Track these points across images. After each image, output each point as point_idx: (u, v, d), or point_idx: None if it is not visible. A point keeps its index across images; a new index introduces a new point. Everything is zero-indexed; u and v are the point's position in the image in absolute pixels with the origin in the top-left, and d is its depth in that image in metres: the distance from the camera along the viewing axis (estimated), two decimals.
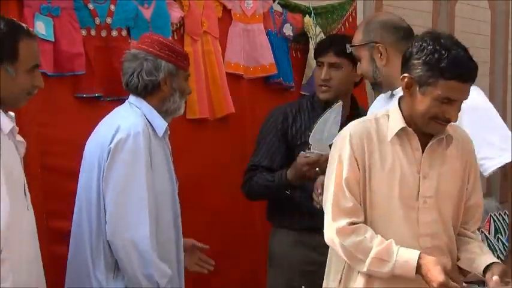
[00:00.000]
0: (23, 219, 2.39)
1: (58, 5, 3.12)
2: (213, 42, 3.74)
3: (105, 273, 2.68)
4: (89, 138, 2.86)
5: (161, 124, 2.80)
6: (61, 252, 2.97)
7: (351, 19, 4.52)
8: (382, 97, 3.01)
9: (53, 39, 3.09)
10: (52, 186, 3.06)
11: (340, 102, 3.05)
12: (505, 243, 4.86)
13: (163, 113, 2.83)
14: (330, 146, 3.00)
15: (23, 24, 2.44)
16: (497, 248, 4.75)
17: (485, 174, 2.84)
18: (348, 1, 4.53)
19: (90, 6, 3.22)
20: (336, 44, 3.27)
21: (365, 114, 3.31)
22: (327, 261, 2.55)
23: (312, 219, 3.21)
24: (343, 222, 2.38)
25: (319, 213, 3.19)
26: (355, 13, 4.57)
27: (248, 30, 3.93)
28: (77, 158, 3.14)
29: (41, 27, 3.04)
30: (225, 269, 3.68)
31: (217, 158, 3.68)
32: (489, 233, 4.98)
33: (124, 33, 3.33)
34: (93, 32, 3.24)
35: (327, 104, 3.26)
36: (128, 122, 2.72)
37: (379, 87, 2.86)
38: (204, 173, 3.64)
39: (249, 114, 3.85)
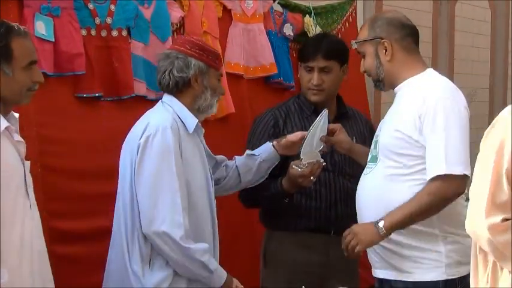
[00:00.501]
0: (24, 218, 2.40)
1: (58, 5, 3.11)
2: (213, 42, 3.74)
3: (141, 265, 2.72)
4: (126, 138, 2.90)
5: (192, 121, 2.84)
6: (62, 251, 2.98)
7: (351, 19, 4.52)
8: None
9: (53, 39, 3.08)
10: (52, 186, 3.05)
11: (326, 111, 3.06)
12: None
13: (196, 111, 2.88)
14: (320, 152, 3.03)
15: (13, 24, 2.46)
16: None
17: (426, 178, 2.74)
18: (348, 1, 4.54)
19: (90, 6, 3.22)
20: (324, 47, 3.26)
21: (352, 112, 3.35)
22: (472, 261, 2.30)
23: (308, 220, 3.21)
24: (498, 218, 2.11)
25: (316, 214, 3.21)
26: (355, 13, 4.57)
27: (248, 30, 3.93)
28: (77, 158, 3.15)
29: (41, 27, 3.04)
30: (224, 268, 3.68)
31: None
32: None
33: (124, 33, 3.33)
34: (93, 32, 3.24)
35: (316, 105, 3.26)
36: (157, 118, 2.79)
37: (381, 84, 2.86)
38: None
39: (249, 114, 3.84)
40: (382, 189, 2.72)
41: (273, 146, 3.12)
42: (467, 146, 2.66)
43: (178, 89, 2.85)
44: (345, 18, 4.48)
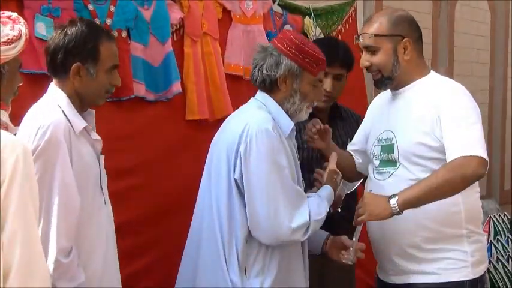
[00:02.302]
0: (100, 214, 2.47)
1: (58, 5, 3.11)
2: (213, 44, 3.74)
3: (238, 274, 2.59)
4: (215, 137, 2.82)
5: (287, 123, 2.67)
6: None
7: (350, 20, 4.53)
8: (384, 95, 2.97)
9: None
10: None
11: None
12: (505, 244, 4.87)
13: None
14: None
15: (103, 27, 2.54)
16: (496, 250, 4.75)
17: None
18: (348, 2, 4.54)
19: (90, 7, 3.22)
20: (341, 55, 3.25)
21: (346, 113, 3.34)
22: None
23: None
24: None
25: None
26: (355, 14, 4.58)
27: (248, 31, 3.93)
28: None
29: (41, 28, 3.04)
30: None
31: None
32: (489, 235, 4.98)
33: (124, 34, 3.33)
34: None
35: (314, 109, 3.24)
36: (257, 118, 2.62)
37: (390, 82, 2.78)
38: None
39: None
40: None
41: None
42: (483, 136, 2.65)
43: (266, 87, 2.68)
44: (344, 20, 4.48)
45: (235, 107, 3.75)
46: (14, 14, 2.11)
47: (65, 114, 2.39)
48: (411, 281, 2.72)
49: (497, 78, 7.03)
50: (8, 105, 2.17)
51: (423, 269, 2.70)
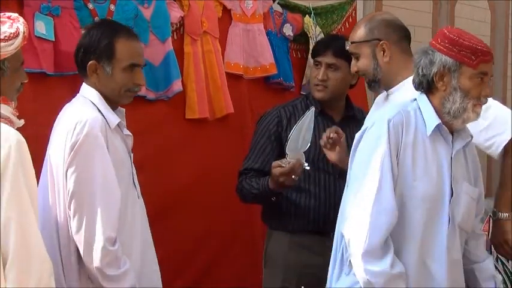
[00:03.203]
0: (135, 207, 2.53)
1: (58, 4, 3.12)
2: (213, 42, 3.74)
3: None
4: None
5: (431, 123, 2.45)
6: None
7: (350, 19, 4.52)
8: (379, 98, 3.01)
9: (53, 39, 3.08)
10: None
11: (313, 109, 3.03)
12: None
13: (447, 115, 2.45)
14: (305, 152, 2.98)
15: (123, 25, 2.59)
16: None
17: (499, 151, 2.90)
18: (348, 1, 4.54)
19: (90, 5, 3.22)
20: (335, 45, 3.24)
21: (361, 114, 3.31)
22: None
23: (307, 222, 3.20)
24: None
25: (314, 216, 3.20)
26: (355, 13, 4.57)
27: (248, 30, 3.93)
28: None
29: (41, 27, 3.04)
30: (224, 268, 3.69)
31: (217, 158, 3.68)
32: (489, 234, 4.98)
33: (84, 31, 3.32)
34: None
35: (323, 105, 3.25)
36: (386, 111, 2.52)
37: (377, 85, 2.85)
38: (204, 173, 3.64)
39: (249, 114, 3.85)
40: None
41: None
42: None
43: (425, 88, 2.48)
44: (344, 19, 4.48)
45: (236, 105, 3.77)
46: (14, 15, 2.18)
47: (99, 111, 2.46)
48: None
49: (497, 77, 7.02)
50: (12, 100, 2.19)
51: None
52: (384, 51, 2.79)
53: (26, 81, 2.27)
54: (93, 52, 2.47)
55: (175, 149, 3.54)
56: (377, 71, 2.81)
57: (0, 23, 2.11)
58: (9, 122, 2.12)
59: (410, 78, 2.73)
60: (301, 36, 4.20)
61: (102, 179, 2.39)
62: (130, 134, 2.60)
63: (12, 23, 2.13)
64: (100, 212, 2.37)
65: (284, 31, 4.14)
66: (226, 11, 3.86)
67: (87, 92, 2.52)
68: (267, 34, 4.02)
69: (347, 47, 2.90)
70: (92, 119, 2.39)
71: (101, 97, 2.50)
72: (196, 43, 3.66)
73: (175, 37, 3.57)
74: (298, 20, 4.21)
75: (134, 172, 2.61)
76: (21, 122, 2.21)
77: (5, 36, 2.10)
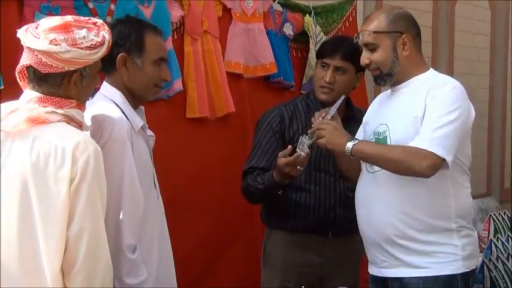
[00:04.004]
0: (156, 208, 2.53)
1: (58, 4, 3.12)
2: (213, 42, 3.74)
3: None
4: None
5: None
6: None
7: (351, 18, 4.53)
8: (384, 94, 2.98)
9: None
10: None
11: (343, 96, 3.03)
12: (505, 243, 4.86)
13: None
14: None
15: (150, 22, 2.64)
16: (497, 248, 4.74)
17: None
18: (348, 1, 4.54)
19: (90, 5, 3.22)
20: (344, 48, 3.21)
21: (360, 114, 3.29)
22: None
23: (307, 221, 3.20)
24: None
25: (314, 216, 3.20)
26: (355, 13, 4.58)
27: (248, 29, 3.93)
28: None
29: None
30: (225, 267, 3.69)
31: (218, 157, 3.68)
32: (489, 233, 4.98)
33: None
34: None
35: (324, 105, 3.24)
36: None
37: (389, 79, 2.79)
38: (204, 172, 3.64)
39: (249, 113, 3.85)
40: (400, 187, 2.68)
41: None
42: (461, 137, 2.65)
43: None
44: (345, 18, 4.48)
45: (236, 105, 3.77)
46: (100, 21, 2.19)
47: (123, 113, 2.43)
48: (402, 275, 2.72)
49: (498, 76, 7.03)
50: (84, 106, 2.22)
51: (414, 262, 2.70)
52: (404, 45, 2.75)
53: (98, 86, 2.30)
54: (123, 45, 2.47)
55: (176, 148, 3.54)
56: (395, 64, 2.75)
57: (87, 30, 2.12)
58: (80, 126, 2.14)
59: (421, 75, 2.75)
60: (302, 36, 4.20)
61: (128, 184, 2.35)
62: (153, 134, 2.59)
63: (98, 31, 2.15)
64: (123, 218, 2.33)
65: (284, 30, 4.14)
66: (227, 10, 3.86)
67: (109, 91, 2.49)
68: (267, 33, 4.02)
69: (360, 38, 2.80)
70: (118, 122, 2.36)
71: (124, 97, 2.47)
72: (197, 42, 3.66)
73: (175, 36, 3.57)
74: (298, 19, 4.21)
75: (154, 172, 2.60)
76: (90, 127, 2.25)
77: (92, 45, 2.11)
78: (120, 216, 2.33)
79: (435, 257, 2.69)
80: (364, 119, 3.00)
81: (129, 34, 2.48)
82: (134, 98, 2.52)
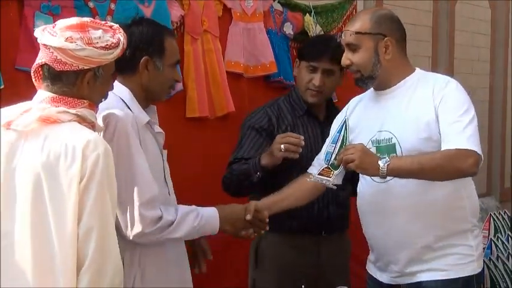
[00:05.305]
0: (165, 204, 2.54)
1: (58, 3, 3.12)
2: (213, 41, 3.75)
3: None
4: None
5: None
6: None
7: (351, 18, 4.52)
8: (363, 97, 2.91)
9: None
10: None
11: (345, 118, 2.98)
12: (505, 242, 4.86)
13: None
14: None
15: (165, 25, 2.71)
16: (497, 247, 4.74)
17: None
18: (348, 0, 4.54)
19: (91, 4, 3.22)
20: (331, 50, 3.16)
21: (338, 111, 3.19)
22: None
23: (300, 222, 3.18)
24: None
25: (308, 216, 3.19)
26: (356, 12, 4.57)
27: (248, 29, 3.93)
28: None
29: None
30: (225, 267, 3.69)
31: (217, 157, 3.68)
32: (489, 232, 4.98)
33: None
34: None
35: (310, 105, 3.22)
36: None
37: (370, 82, 2.73)
38: (204, 172, 3.64)
39: (249, 112, 3.85)
40: (416, 195, 2.65)
41: None
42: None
43: None
44: (345, 17, 4.48)
45: (236, 104, 3.77)
46: (116, 25, 2.24)
47: (129, 108, 2.48)
48: (419, 280, 2.70)
49: (498, 76, 7.02)
50: (97, 106, 2.25)
51: (432, 265, 2.68)
52: (386, 48, 2.68)
53: (112, 90, 2.32)
54: (146, 49, 2.53)
55: (176, 148, 3.53)
56: (376, 67, 2.69)
57: (103, 31, 2.16)
58: (92, 127, 2.16)
59: (410, 76, 2.72)
60: (302, 35, 4.20)
61: (140, 175, 2.38)
62: (162, 131, 2.62)
63: (113, 34, 2.18)
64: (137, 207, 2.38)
65: (284, 30, 4.14)
66: (227, 10, 3.86)
67: (119, 90, 2.53)
68: (268, 33, 4.02)
69: (343, 37, 2.74)
70: (122, 116, 2.41)
71: (132, 95, 2.53)
72: (197, 42, 3.66)
73: (175, 36, 3.57)
74: (298, 18, 4.21)
75: (167, 170, 2.64)
76: (103, 127, 2.28)
77: (107, 45, 2.14)
78: (135, 206, 2.36)
79: (452, 258, 2.67)
80: (350, 124, 2.80)
81: (152, 38, 2.54)
82: (148, 98, 2.60)
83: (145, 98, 2.58)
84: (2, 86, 2.92)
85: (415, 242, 2.68)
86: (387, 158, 2.54)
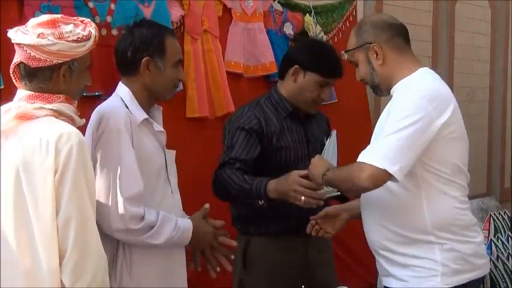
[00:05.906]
0: (166, 203, 2.60)
1: (58, 3, 3.12)
2: (213, 41, 3.75)
3: None
4: None
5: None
6: None
7: (351, 18, 4.53)
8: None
9: None
10: None
11: (335, 131, 3.00)
12: (505, 242, 4.87)
13: None
14: (286, 155, 2.97)
15: (166, 26, 2.74)
16: (497, 247, 4.75)
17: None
18: (348, 0, 4.54)
19: (91, 4, 3.22)
20: (341, 64, 3.17)
21: (318, 112, 3.27)
22: None
23: (287, 223, 3.16)
24: None
25: (297, 217, 3.17)
26: (355, 12, 4.58)
27: (248, 29, 3.94)
28: None
29: None
30: (223, 268, 3.68)
31: (217, 157, 3.67)
32: (489, 233, 4.99)
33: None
34: None
35: (293, 107, 3.18)
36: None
37: (378, 90, 2.75)
38: (204, 172, 3.63)
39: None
40: (376, 199, 2.66)
41: None
42: (418, 145, 2.51)
43: None
44: (345, 18, 4.49)
45: (236, 104, 3.77)
46: (87, 20, 2.28)
47: (126, 106, 2.52)
48: (389, 285, 2.70)
49: (498, 76, 7.03)
50: (75, 100, 2.27)
51: (397, 274, 2.67)
52: (376, 54, 2.68)
53: (89, 84, 2.35)
54: (147, 49, 2.56)
55: (176, 148, 3.53)
56: (373, 75, 2.70)
57: (74, 26, 2.20)
58: (71, 121, 2.20)
59: (407, 78, 2.70)
60: (302, 35, 4.21)
61: (124, 170, 2.42)
62: (163, 130, 2.64)
63: (85, 27, 2.22)
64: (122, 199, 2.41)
65: (284, 30, 4.15)
66: (227, 10, 3.87)
67: (120, 90, 2.61)
68: (268, 33, 4.02)
69: (345, 57, 2.80)
70: (115, 113, 2.46)
71: (132, 94, 2.57)
72: (197, 42, 3.66)
73: (177, 36, 3.57)
74: (298, 18, 4.21)
75: (173, 170, 2.68)
76: (83, 121, 2.29)
77: (78, 38, 2.18)
78: (119, 200, 2.40)
79: (413, 270, 2.62)
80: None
81: (152, 38, 2.57)
82: (151, 97, 2.63)
83: (148, 98, 2.61)
84: (2, 86, 2.92)
85: (377, 244, 2.69)
86: (329, 171, 2.68)
